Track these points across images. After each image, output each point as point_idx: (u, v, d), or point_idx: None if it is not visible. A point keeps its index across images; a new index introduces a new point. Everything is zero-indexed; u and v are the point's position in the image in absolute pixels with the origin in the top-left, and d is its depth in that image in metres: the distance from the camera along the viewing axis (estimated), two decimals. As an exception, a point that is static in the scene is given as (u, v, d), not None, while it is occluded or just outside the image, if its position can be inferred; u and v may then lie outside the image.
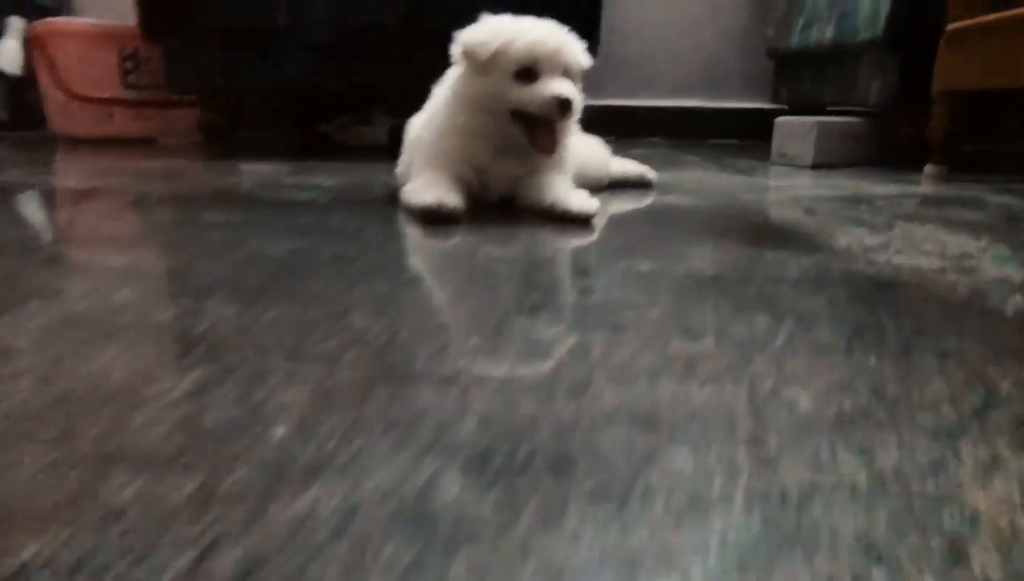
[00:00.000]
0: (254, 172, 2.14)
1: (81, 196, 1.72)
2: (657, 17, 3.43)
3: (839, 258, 1.13)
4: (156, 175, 2.06)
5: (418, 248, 1.26)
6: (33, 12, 3.21)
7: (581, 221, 1.41)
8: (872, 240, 1.28)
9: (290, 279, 0.97)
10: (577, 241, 1.29)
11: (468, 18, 1.50)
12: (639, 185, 1.92)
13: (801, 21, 2.92)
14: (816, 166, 2.42)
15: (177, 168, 2.23)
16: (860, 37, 2.49)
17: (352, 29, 2.58)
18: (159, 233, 1.35)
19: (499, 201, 1.53)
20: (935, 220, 1.50)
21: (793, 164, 2.48)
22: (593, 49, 2.71)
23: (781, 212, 1.57)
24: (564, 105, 1.41)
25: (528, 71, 1.44)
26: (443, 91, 1.55)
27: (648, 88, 3.48)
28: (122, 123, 3.02)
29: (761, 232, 1.38)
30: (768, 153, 2.65)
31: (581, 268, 1.10)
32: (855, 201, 1.74)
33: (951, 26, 2.18)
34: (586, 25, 2.87)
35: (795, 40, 2.96)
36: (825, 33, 2.71)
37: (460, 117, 1.50)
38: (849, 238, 1.29)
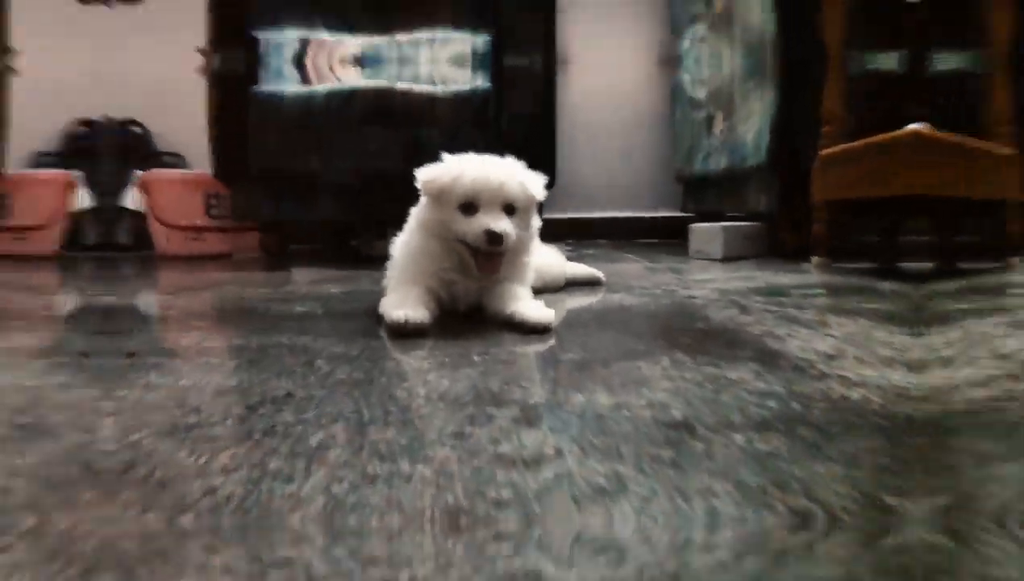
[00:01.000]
0: (288, 280, 1.79)
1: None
2: (599, 153, 3.16)
3: (808, 377, 0.78)
4: (223, 282, 1.72)
5: (366, 378, 0.90)
6: (159, 164, 2.93)
7: (539, 331, 1.07)
8: (821, 344, 0.94)
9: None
10: (534, 349, 0.94)
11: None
12: (591, 284, 1.59)
13: (701, 154, 2.63)
14: (724, 259, 2.10)
15: (235, 279, 1.89)
16: (748, 163, 2.20)
17: (366, 174, 2.28)
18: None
19: (467, 310, 1.19)
20: (858, 313, 1.16)
21: (707, 258, 2.16)
22: (552, 179, 2.36)
23: (719, 311, 1.23)
24: (492, 238, 1.09)
25: (470, 205, 1.12)
26: (411, 220, 1.24)
27: (594, 203, 3.19)
28: (209, 244, 2.69)
29: (709, 336, 1.04)
30: (685, 250, 2.33)
31: (531, 414, 0.67)
32: (772, 292, 1.41)
33: (823, 152, 1.87)
34: (545, 162, 2.58)
35: (697, 168, 2.67)
36: (720, 162, 2.42)
37: (424, 241, 1.19)
38: (798, 342, 0.96)
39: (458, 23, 2.36)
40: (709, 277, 1.71)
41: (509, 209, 1.14)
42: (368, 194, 2.34)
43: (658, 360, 0.86)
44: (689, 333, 1.06)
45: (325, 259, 2.56)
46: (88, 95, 2.89)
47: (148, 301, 1.64)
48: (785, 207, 2.13)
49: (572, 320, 1.19)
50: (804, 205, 1.97)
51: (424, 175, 1.16)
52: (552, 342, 1.00)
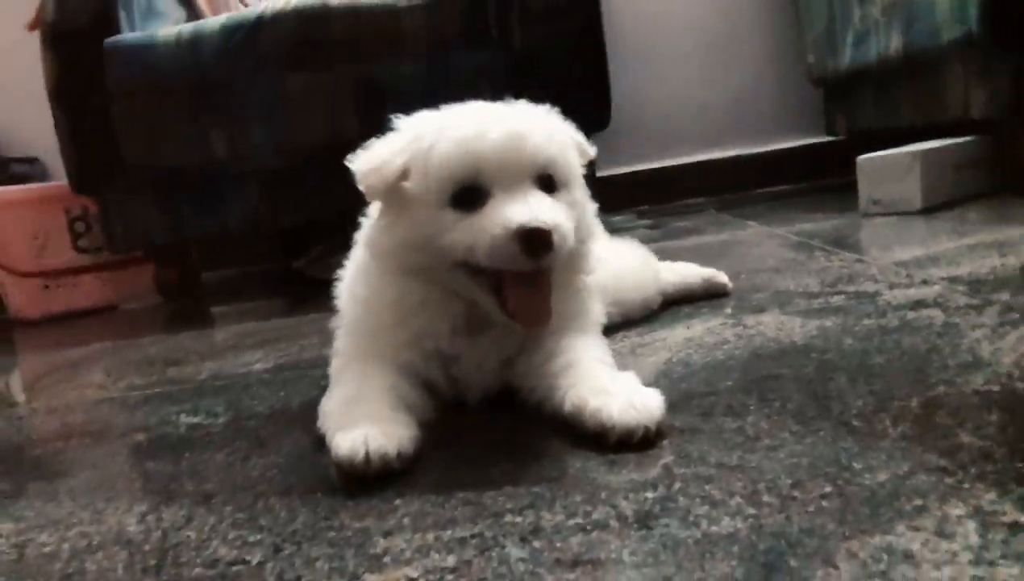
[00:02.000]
0: (185, 350, 1.46)
1: None
2: (676, 63, 2.75)
3: None
4: (82, 367, 1.40)
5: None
6: (7, 177, 2.73)
7: (632, 441, 0.69)
8: None
9: None
10: (638, 511, 0.56)
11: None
12: (710, 296, 1.23)
13: (851, 36, 2.21)
14: (927, 210, 1.69)
15: (108, 354, 1.57)
16: (944, 39, 1.77)
17: (301, 151, 1.93)
18: None
19: (485, 400, 0.84)
20: None
21: (894, 211, 1.75)
22: (604, 116, 1.99)
23: (997, 340, 0.82)
24: (533, 240, 0.72)
25: (470, 192, 0.75)
26: (360, 243, 0.88)
27: (678, 144, 2.79)
28: (83, 292, 2.40)
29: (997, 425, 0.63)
30: (847, 200, 1.93)
31: None
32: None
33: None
34: (594, 92, 2.18)
35: (847, 60, 2.24)
36: (889, 43, 1.99)
37: (388, 283, 0.83)
38: None
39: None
40: (923, 252, 1.31)
41: (546, 184, 0.78)
42: (308, 183, 2.00)
43: (949, 524, 0.49)
44: (969, 414, 0.66)
45: (253, 293, 2.23)
46: None
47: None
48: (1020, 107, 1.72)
49: (697, 392, 0.81)
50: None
51: (361, 163, 0.81)
52: (678, 478, 0.62)
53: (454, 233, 0.76)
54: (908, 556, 0.48)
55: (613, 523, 0.57)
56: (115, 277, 2.44)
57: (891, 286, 1.12)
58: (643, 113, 2.68)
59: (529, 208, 0.74)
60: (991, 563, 0.46)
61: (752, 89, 2.76)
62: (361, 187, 0.81)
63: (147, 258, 2.33)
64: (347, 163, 0.83)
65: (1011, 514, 0.50)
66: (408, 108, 0.85)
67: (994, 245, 1.26)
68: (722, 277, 1.24)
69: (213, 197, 2.07)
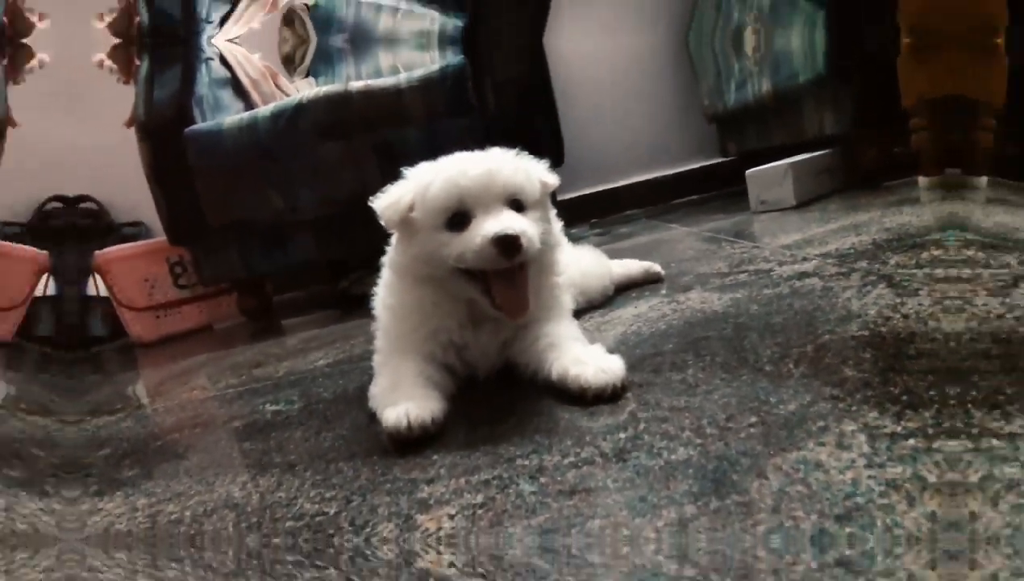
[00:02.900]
0: (265, 356, 1.43)
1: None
2: (606, 110, 2.70)
3: None
4: (189, 373, 1.37)
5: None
6: (120, 239, 2.59)
7: (606, 396, 0.68)
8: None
9: None
10: (617, 440, 0.55)
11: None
12: (649, 282, 1.21)
13: (733, 82, 2.19)
14: (800, 205, 1.68)
15: (207, 364, 1.53)
16: (800, 79, 1.76)
17: (339, 200, 1.90)
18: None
19: (491, 376, 0.82)
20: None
21: (777, 208, 1.73)
22: (560, 154, 1.95)
23: (862, 296, 0.81)
24: (505, 243, 0.71)
25: (459, 216, 0.74)
26: (384, 271, 0.86)
27: (614, 171, 2.75)
28: (185, 317, 2.36)
29: (896, 358, 0.62)
30: (741, 203, 1.91)
31: None
32: (912, 243, 0.99)
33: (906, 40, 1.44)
34: (549, 135, 2.17)
35: (732, 100, 2.22)
36: (761, 86, 1.98)
37: (410, 292, 0.81)
38: None
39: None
40: (800, 236, 1.30)
41: (516, 205, 0.76)
42: (348, 223, 1.97)
43: (846, 438, 0.48)
44: (849, 354, 0.66)
45: (314, 308, 2.21)
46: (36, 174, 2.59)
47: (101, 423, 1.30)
48: (861, 121, 1.70)
49: (648, 354, 0.80)
50: (889, 114, 1.54)
51: (381, 203, 0.80)
52: (641, 420, 0.61)
53: (449, 247, 0.75)
54: (819, 465, 0.47)
55: (597, 459, 0.56)
56: (208, 305, 2.39)
57: (780, 263, 1.11)
58: (587, 148, 2.64)
59: (501, 222, 0.73)
60: (880, 465, 0.45)
61: (665, 125, 2.71)
62: (381, 220, 0.80)
63: (231, 289, 2.29)
64: (370, 203, 0.82)
65: (890, 427, 0.50)
66: (414, 162, 0.84)
67: (851, 227, 1.26)
68: (657, 267, 1.23)
69: (276, 242, 2.03)
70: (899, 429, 0.48)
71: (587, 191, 2.72)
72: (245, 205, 1.96)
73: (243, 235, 2.05)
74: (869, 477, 0.44)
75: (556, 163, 1.98)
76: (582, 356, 0.73)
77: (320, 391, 1.04)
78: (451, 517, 0.52)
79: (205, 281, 2.15)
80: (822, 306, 0.82)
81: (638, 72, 2.70)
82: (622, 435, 0.59)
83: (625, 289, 1.19)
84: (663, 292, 1.12)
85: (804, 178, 1.72)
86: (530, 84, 1.98)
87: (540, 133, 2.02)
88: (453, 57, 1.91)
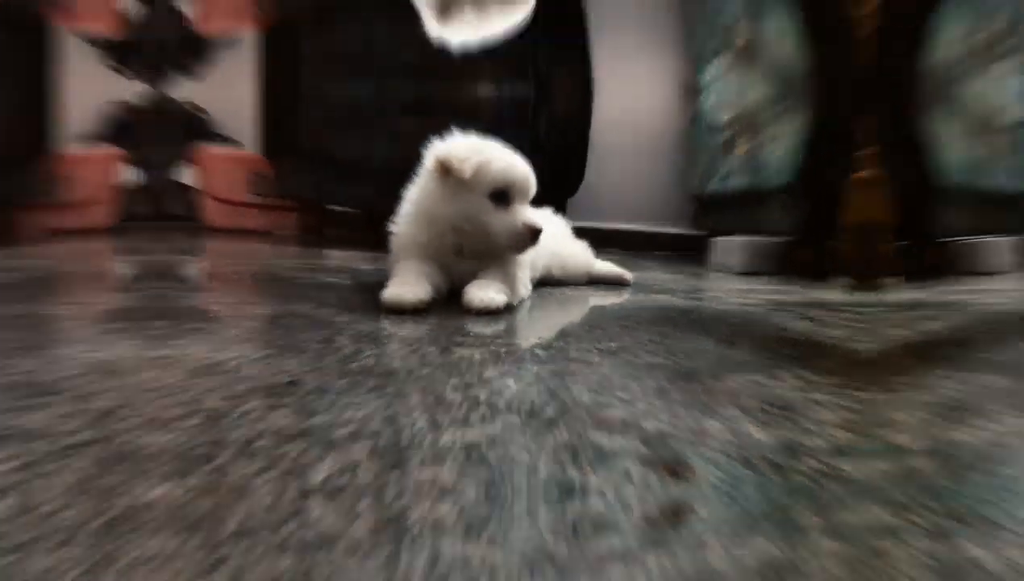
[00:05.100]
0: (322, 256, 1.55)
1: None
2: (619, 170, 2.76)
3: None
4: (265, 254, 1.48)
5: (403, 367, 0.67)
6: (215, 140, 2.63)
7: (489, 313, 0.87)
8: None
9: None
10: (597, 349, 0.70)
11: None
12: (617, 284, 1.35)
13: (719, 175, 2.37)
14: (743, 273, 1.87)
15: (275, 253, 1.64)
16: (771, 183, 1.96)
17: (403, 166, 2.02)
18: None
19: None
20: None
21: (726, 270, 1.93)
22: (578, 186, 2.07)
23: (788, 320, 1.00)
24: (535, 234, 0.88)
25: (502, 194, 0.90)
26: (413, 196, 0.99)
27: (611, 215, 2.82)
28: (251, 218, 2.43)
29: (811, 348, 0.80)
30: (697, 263, 2.10)
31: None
32: (827, 306, 1.17)
33: (855, 176, 1.64)
34: (578, 166, 2.32)
35: (714, 187, 2.39)
36: (740, 182, 2.17)
37: (425, 229, 0.96)
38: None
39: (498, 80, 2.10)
40: (744, 287, 1.49)
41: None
42: (403, 181, 2.10)
43: (778, 376, 0.64)
44: (781, 342, 0.82)
45: (357, 243, 2.32)
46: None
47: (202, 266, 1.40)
48: (808, 227, 1.91)
49: (632, 318, 0.96)
50: (829, 225, 1.74)
51: (447, 152, 0.90)
52: (627, 342, 0.77)
53: (490, 216, 0.90)
54: (759, 384, 0.62)
55: (595, 357, 0.71)
56: (272, 215, 2.48)
57: (730, 294, 1.29)
58: (596, 193, 2.74)
59: (535, 217, 0.90)
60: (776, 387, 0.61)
61: (659, 193, 2.80)
62: (438, 165, 0.90)
63: (295, 208, 2.38)
64: (436, 144, 0.94)
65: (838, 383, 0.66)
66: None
67: (782, 290, 1.45)
68: (629, 275, 1.36)
69: (346, 180, 2.14)
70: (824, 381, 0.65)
71: (588, 224, 2.77)
72: (335, 142, 2.06)
73: (320, 164, 2.15)
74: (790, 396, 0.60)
75: (572, 191, 2.15)
76: (481, 289, 0.88)
77: (363, 276, 1.18)
78: (476, 353, 0.66)
79: (280, 193, 2.24)
80: (756, 318, 0.99)
81: (650, 150, 2.80)
82: (613, 344, 0.74)
83: (594, 283, 1.32)
84: (634, 293, 1.28)
85: (754, 254, 1.92)
86: (576, 126, 2.15)
87: (574, 161, 2.18)
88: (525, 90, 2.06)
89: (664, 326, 0.91)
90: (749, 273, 1.89)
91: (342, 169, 2.13)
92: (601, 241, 2.94)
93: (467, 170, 0.87)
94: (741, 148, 2.18)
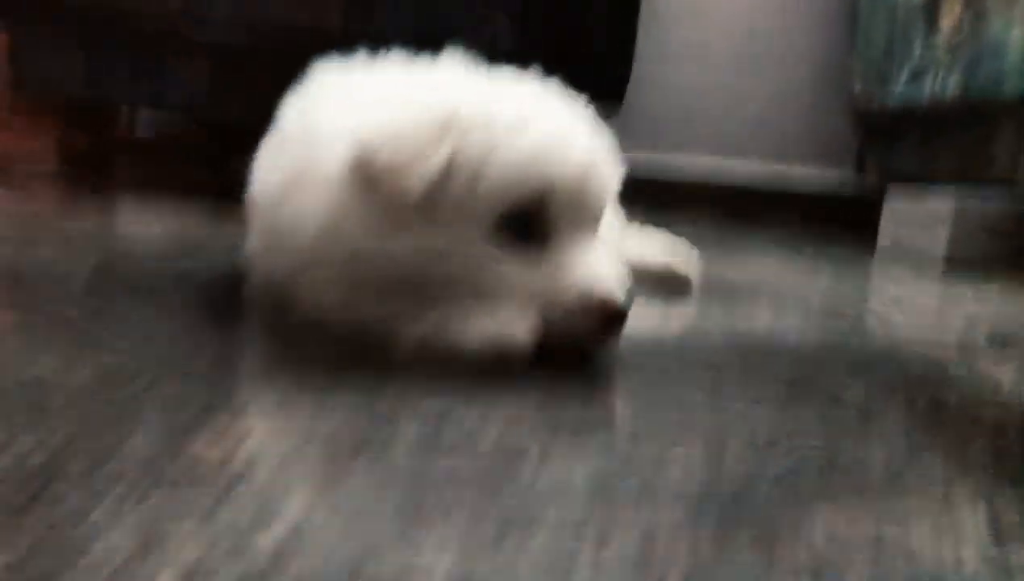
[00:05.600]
0: (85, 235, 0.51)
1: None
2: (700, 52, 1.51)
3: None
4: None
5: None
6: None
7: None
8: None
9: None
10: None
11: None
12: (667, 282, 0.45)
13: (907, 69, 1.27)
14: (949, 264, 0.95)
15: None
16: (1006, 91, 1.00)
17: (264, 32, 0.96)
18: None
19: None
20: None
21: (917, 257, 0.99)
22: (621, 88, 1.02)
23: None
24: (616, 321, 0.22)
25: (527, 220, 0.20)
26: (310, 201, 0.31)
27: (687, 142, 1.53)
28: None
29: None
30: (860, 241, 1.16)
31: None
32: None
33: None
34: (619, 50, 1.27)
35: (898, 94, 1.28)
36: (947, 84, 1.16)
37: (343, 273, 0.30)
38: None
39: None
40: (955, 294, 0.55)
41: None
42: (267, 71, 1.03)
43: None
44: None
45: (173, 189, 1.19)
46: None
47: None
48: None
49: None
50: None
51: (378, 146, 0.27)
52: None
53: (503, 271, 0.28)
54: None
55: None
56: (12, 131, 1.29)
57: (911, 318, 0.37)
58: (654, 101, 1.49)
59: (601, 267, 0.28)
60: None
61: (784, 101, 1.52)
62: (363, 174, 0.29)
63: (55, 113, 1.20)
64: (360, 142, 0.29)
65: None
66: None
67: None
68: (694, 268, 0.47)
69: (154, 61, 1.06)
70: None
71: (642, 155, 1.51)
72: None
73: (104, 33, 1.05)
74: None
75: (612, 96, 1.12)
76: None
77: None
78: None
79: (21, 85, 1.12)
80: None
81: (765, 14, 1.52)
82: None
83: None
84: (721, 303, 0.34)
85: (966, 230, 0.99)
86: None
87: (595, 48, 1.15)
88: None
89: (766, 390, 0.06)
90: (957, 263, 0.97)
91: (147, 41, 1.04)
92: (664, 193, 1.45)
93: (414, 185, 0.28)
94: (948, 18, 1.20)
